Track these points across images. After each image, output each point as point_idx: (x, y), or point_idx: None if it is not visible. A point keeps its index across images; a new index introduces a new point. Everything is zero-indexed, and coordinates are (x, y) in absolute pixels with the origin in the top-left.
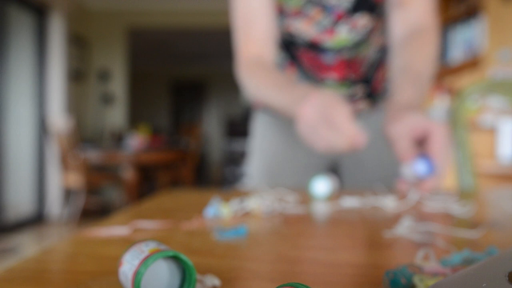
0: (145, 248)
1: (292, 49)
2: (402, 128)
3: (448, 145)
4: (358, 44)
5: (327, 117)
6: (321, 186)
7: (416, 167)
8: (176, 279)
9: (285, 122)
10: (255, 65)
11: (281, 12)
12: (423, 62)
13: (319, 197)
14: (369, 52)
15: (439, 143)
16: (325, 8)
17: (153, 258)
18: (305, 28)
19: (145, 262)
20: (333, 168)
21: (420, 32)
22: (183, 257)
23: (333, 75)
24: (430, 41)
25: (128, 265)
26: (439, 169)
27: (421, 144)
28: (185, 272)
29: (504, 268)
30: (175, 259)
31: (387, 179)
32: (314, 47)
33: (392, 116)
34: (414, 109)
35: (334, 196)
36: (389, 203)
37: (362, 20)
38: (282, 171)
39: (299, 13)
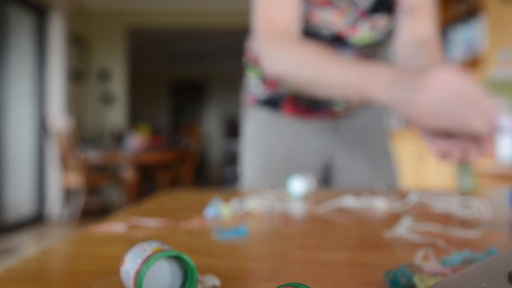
0: (148, 248)
1: (309, 40)
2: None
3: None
4: (378, 44)
5: (464, 91)
6: (298, 185)
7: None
8: (177, 279)
9: (280, 119)
10: (285, 36)
11: (305, 2)
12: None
13: (296, 196)
14: (383, 52)
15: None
16: (353, 3)
17: (156, 257)
18: (334, 20)
19: (148, 261)
20: (327, 165)
21: (428, 43)
22: (185, 257)
23: None
24: (438, 52)
25: (131, 263)
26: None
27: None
28: (187, 272)
29: (504, 268)
30: (177, 259)
31: (381, 175)
32: (338, 40)
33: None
34: None
35: (334, 196)
36: (380, 204)
37: (382, 21)
38: (277, 169)
39: (328, 3)
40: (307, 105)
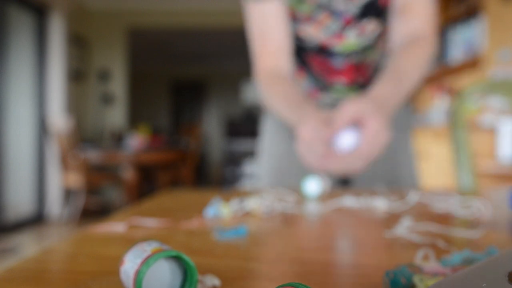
0: (147, 248)
1: (302, 54)
2: (347, 108)
3: (380, 135)
4: (366, 49)
5: (323, 140)
6: (312, 186)
7: (342, 139)
8: (177, 279)
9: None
10: (271, 77)
11: (293, 18)
12: (411, 65)
13: (311, 197)
14: (376, 57)
15: (371, 123)
16: (334, 13)
17: (155, 257)
18: (314, 33)
19: (147, 261)
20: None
21: (417, 40)
22: (185, 257)
23: (342, 79)
24: (424, 48)
25: (130, 263)
26: (365, 149)
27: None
28: (187, 272)
29: (504, 268)
30: (177, 259)
31: (399, 178)
32: (323, 51)
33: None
34: (384, 108)
35: (334, 196)
36: (380, 204)
37: (370, 25)
38: (291, 172)
39: (309, 18)
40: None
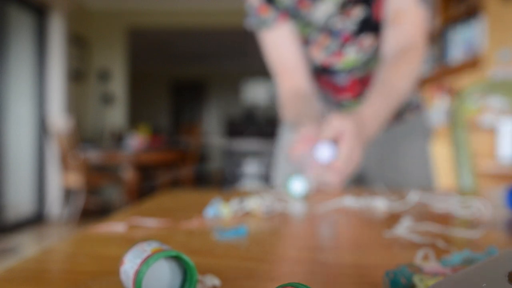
0: (147, 248)
1: (312, 74)
2: (331, 123)
3: (353, 154)
4: (367, 63)
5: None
6: (297, 185)
7: (320, 151)
8: (177, 279)
9: None
10: (289, 97)
11: (303, 42)
12: (400, 78)
13: (296, 196)
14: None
15: (347, 141)
16: (332, 33)
17: (155, 257)
18: (315, 54)
19: (147, 261)
20: (359, 175)
21: (407, 50)
22: (185, 257)
23: (347, 96)
24: (413, 59)
25: (130, 263)
26: (338, 164)
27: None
28: (186, 272)
29: (504, 268)
30: (177, 259)
31: (416, 182)
32: (326, 70)
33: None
34: (365, 129)
35: (334, 196)
36: (380, 204)
37: (368, 40)
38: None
39: (306, 41)
40: None
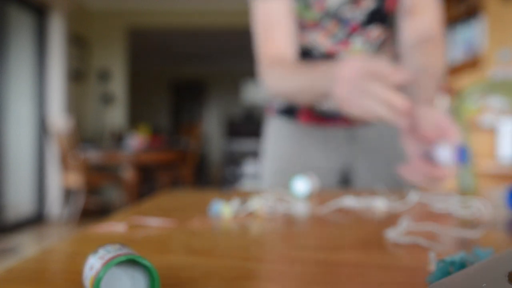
0: (92, 266)
1: (307, 61)
2: (430, 116)
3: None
4: (373, 54)
5: (367, 79)
6: (301, 185)
7: (443, 151)
8: (140, 280)
9: (297, 127)
10: (277, 61)
11: (300, 25)
12: (436, 64)
13: (299, 196)
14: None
15: (454, 137)
16: (341, 21)
17: (108, 265)
18: (321, 40)
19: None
20: (345, 171)
21: (429, 40)
22: (141, 260)
23: None
24: (439, 48)
25: (89, 268)
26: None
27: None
28: (150, 273)
29: (504, 268)
30: (135, 262)
31: (398, 180)
32: (329, 58)
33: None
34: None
35: (335, 196)
36: (380, 204)
37: (375, 32)
38: (294, 174)
39: (316, 25)
40: (321, 113)
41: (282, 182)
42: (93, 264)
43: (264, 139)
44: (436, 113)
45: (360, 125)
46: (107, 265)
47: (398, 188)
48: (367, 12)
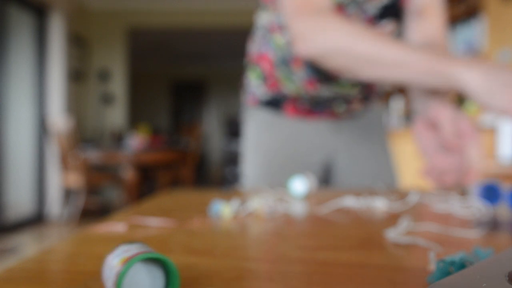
0: (114, 262)
1: None
2: (452, 118)
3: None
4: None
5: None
6: (299, 185)
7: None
8: (159, 278)
9: (281, 119)
10: (322, 12)
11: None
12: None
13: (297, 196)
14: None
15: (472, 138)
16: (361, 10)
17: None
18: None
19: (129, 262)
20: (328, 164)
21: (434, 45)
22: (166, 259)
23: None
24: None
25: (111, 264)
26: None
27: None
28: (169, 274)
29: (504, 268)
30: (158, 261)
31: (381, 175)
32: None
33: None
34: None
35: (335, 196)
36: (380, 204)
37: (389, 27)
38: (278, 170)
39: (340, 10)
40: (309, 105)
41: (268, 176)
42: (118, 258)
43: (245, 137)
44: (457, 116)
45: (346, 117)
46: (132, 260)
47: (380, 182)
48: (380, 6)
